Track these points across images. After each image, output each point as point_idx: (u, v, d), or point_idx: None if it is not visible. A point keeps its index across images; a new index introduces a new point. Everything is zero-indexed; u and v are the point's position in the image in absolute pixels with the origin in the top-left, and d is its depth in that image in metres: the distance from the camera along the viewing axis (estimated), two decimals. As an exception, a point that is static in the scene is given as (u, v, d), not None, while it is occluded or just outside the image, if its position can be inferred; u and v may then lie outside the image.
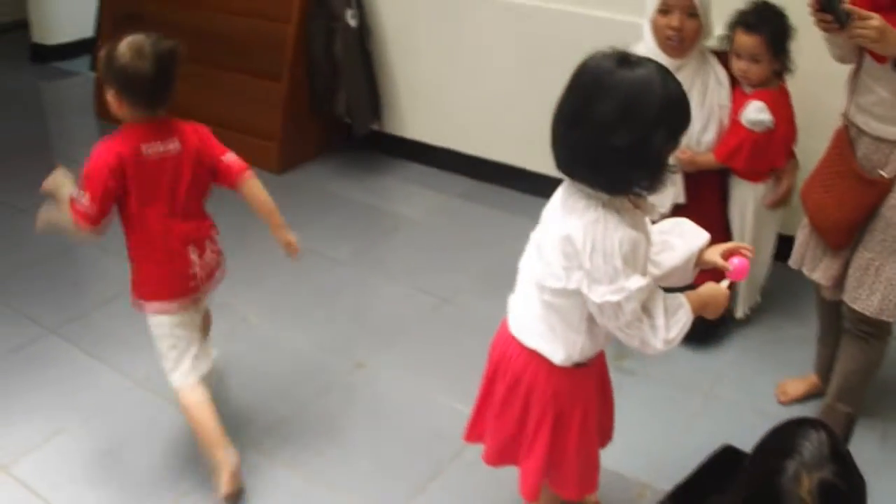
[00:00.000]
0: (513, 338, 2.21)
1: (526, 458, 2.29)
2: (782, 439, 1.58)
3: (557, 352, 2.13)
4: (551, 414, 2.20)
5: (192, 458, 2.98)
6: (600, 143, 1.85)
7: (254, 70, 5.10)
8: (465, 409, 2.88)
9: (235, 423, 3.11)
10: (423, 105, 4.98)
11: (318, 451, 3.04)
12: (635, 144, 1.84)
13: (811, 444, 1.51)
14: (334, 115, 5.01)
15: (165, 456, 3.03)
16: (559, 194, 2.06)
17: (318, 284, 4.00)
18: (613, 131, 1.83)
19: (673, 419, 3.16)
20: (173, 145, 2.75)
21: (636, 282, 1.93)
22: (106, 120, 5.82)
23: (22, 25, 7.43)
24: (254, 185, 2.98)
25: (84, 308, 3.85)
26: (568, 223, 1.97)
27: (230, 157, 2.95)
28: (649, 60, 1.89)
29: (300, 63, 4.95)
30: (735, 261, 2.16)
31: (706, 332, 3.38)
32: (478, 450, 2.47)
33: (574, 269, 1.97)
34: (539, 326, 2.14)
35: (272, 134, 5.00)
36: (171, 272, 2.76)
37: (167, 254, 2.74)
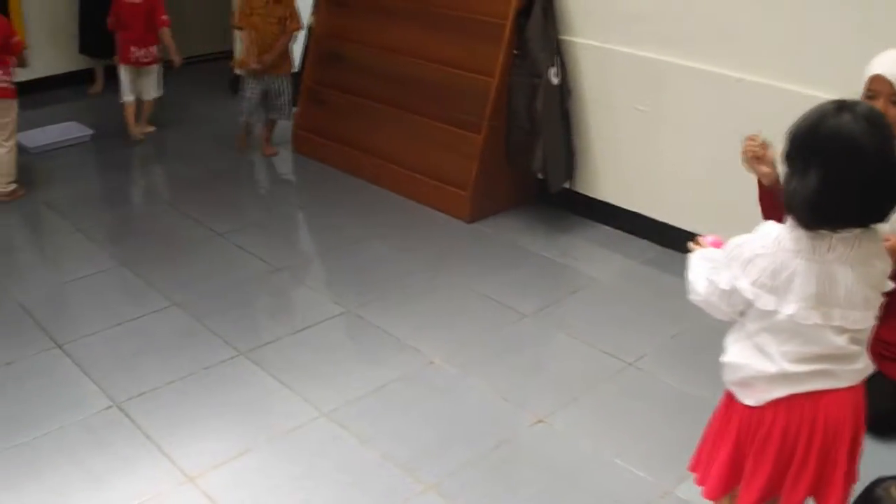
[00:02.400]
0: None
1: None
2: None
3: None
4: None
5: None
6: None
7: (453, 119, 5.20)
8: (642, 473, 2.86)
9: (417, 459, 3.16)
10: (615, 167, 4.98)
11: (494, 501, 3.05)
12: None
13: None
14: (529, 170, 5.06)
15: (344, 489, 3.08)
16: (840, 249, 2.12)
17: (502, 335, 4.02)
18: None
19: None
20: None
21: None
22: (301, 154, 6.06)
23: (225, 56, 7.79)
24: None
25: (277, 334, 3.97)
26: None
27: None
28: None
29: (499, 116, 5.02)
30: (709, 238, 2.40)
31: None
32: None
33: None
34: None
35: (465, 183, 5.08)
36: None
37: None
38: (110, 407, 3.46)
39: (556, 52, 4.92)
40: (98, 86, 7.60)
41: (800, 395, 2.22)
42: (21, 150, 5.68)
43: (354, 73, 5.92)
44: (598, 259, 4.79)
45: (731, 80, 4.28)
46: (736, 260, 2.17)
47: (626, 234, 4.97)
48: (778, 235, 2.13)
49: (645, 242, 4.88)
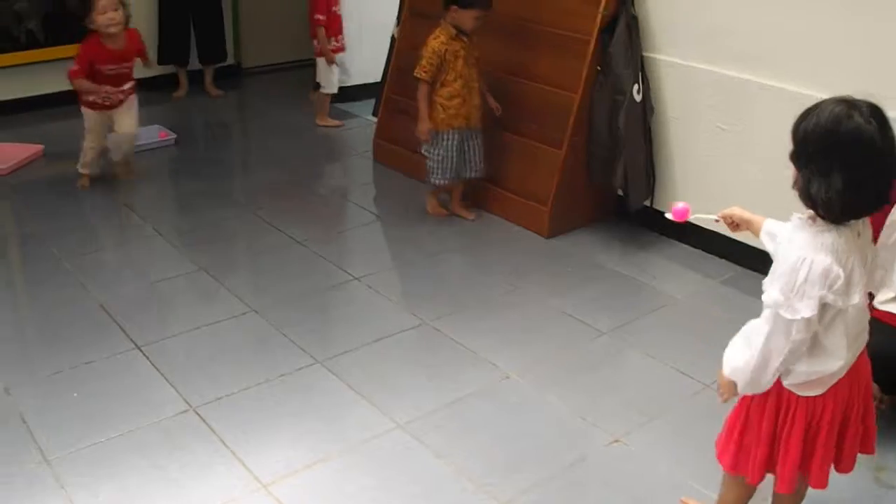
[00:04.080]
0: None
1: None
2: None
3: None
4: None
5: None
6: None
7: (534, 134, 5.18)
8: (715, 496, 2.81)
9: (490, 475, 3.14)
10: (696, 186, 4.91)
11: (569, 521, 3.01)
12: None
13: None
14: (609, 187, 5.02)
15: (417, 502, 3.06)
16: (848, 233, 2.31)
17: (579, 352, 3.98)
18: None
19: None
20: None
21: None
22: (383, 163, 6.07)
23: (308, 64, 7.84)
24: None
25: (353, 344, 3.98)
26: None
27: None
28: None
29: (581, 132, 4.99)
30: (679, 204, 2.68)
31: None
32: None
33: None
34: None
35: (545, 198, 5.05)
36: None
37: None
38: (186, 410, 3.50)
39: (640, 68, 4.87)
40: (182, 90, 7.71)
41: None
42: (106, 151, 5.77)
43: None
44: (676, 277, 4.72)
45: (813, 102, 4.19)
46: (812, 281, 2.24)
47: (704, 254, 4.89)
48: (826, 243, 2.27)
49: (723, 262, 4.80)
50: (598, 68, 4.91)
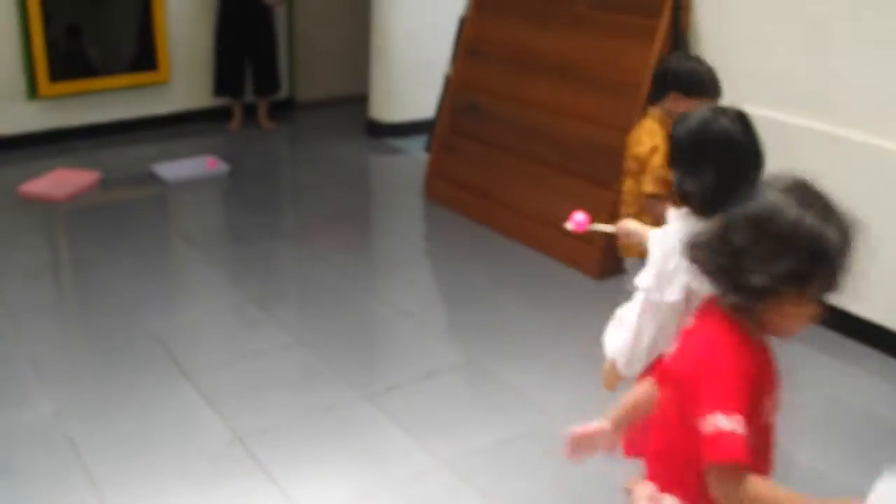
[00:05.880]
0: None
1: None
2: None
3: None
4: None
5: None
6: None
7: (584, 174, 5.17)
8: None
9: None
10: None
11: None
12: None
13: None
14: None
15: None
16: None
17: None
18: None
19: None
20: None
21: None
22: (434, 200, 6.08)
23: (360, 99, 7.93)
24: None
25: (400, 380, 3.97)
26: None
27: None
28: None
29: (631, 173, 4.98)
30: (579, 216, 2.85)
31: None
32: None
33: None
34: None
35: (596, 239, 5.03)
36: None
37: None
38: (233, 441, 3.50)
39: (693, 111, 4.86)
40: (236, 122, 7.80)
41: None
42: (159, 180, 5.85)
43: (488, 123, 5.94)
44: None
45: (872, 148, 4.16)
46: (677, 269, 2.44)
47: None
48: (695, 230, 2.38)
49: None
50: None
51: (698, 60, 3.62)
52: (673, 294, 2.48)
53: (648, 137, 3.63)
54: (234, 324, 4.51)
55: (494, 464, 3.43)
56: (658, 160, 3.51)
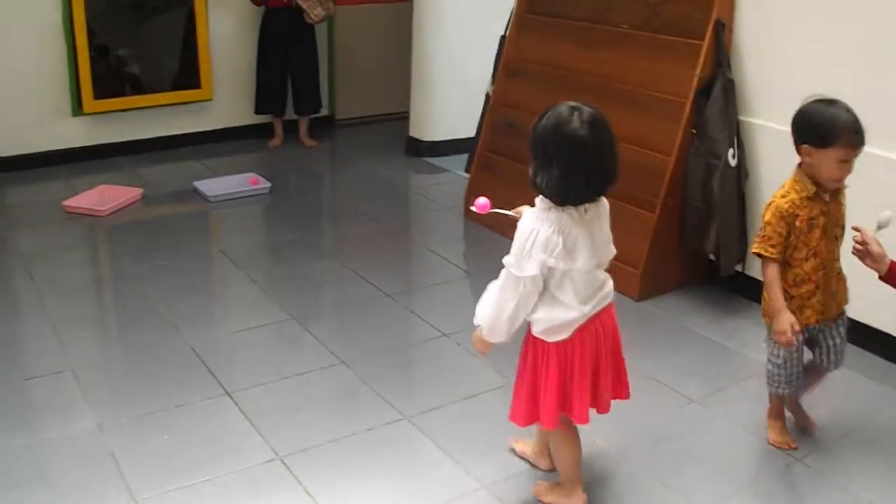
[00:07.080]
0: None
1: None
2: None
3: None
4: None
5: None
6: None
7: (627, 196, 5.14)
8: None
9: None
10: (790, 254, 4.83)
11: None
12: None
13: None
14: (701, 251, 4.97)
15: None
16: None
17: (667, 419, 3.92)
18: None
19: None
20: None
21: None
22: (474, 220, 6.08)
23: (401, 117, 7.97)
24: None
25: (441, 401, 3.97)
26: None
27: None
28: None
29: (674, 195, 4.96)
30: (482, 199, 3.02)
31: None
32: None
33: None
34: None
35: (636, 261, 5.00)
36: None
37: None
38: (273, 460, 3.52)
39: (735, 132, 4.84)
40: (277, 140, 7.85)
41: (589, 319, 2.97)
42: (200, 197, 5.89)
43: (527, 143, 5.92)
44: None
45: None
46: (537, 247, 2.79)
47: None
48: (552, 218, 2.80)
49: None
50: (694, 131, 4.89)
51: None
52: (531, 269, 2.81)
53: (779, 197, 3.48)
54: (274, 341, 4.53)
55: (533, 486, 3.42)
56: (770, 215, 3.44)
